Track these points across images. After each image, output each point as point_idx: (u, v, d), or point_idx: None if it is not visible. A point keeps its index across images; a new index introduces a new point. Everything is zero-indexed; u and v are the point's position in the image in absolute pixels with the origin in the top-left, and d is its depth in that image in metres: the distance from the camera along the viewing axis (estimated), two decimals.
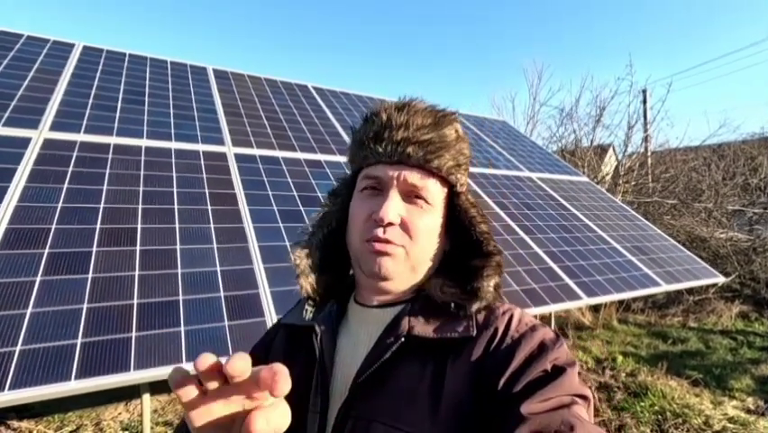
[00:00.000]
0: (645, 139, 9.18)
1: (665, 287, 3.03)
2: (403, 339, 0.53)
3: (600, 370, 3.75)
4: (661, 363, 3.77)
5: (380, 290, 0.58)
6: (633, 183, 7.90)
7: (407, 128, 0.56)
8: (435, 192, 0.58)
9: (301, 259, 0.62)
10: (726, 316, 5.42)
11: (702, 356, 4.20)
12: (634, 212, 4.41)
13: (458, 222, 0.60)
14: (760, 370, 3.84)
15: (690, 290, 5.65)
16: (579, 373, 0.50)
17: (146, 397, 1.96)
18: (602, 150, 9.56)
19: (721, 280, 3.54)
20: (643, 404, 3.07)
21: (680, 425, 2.84)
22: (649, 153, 8.90)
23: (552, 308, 2.42)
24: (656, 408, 3.04)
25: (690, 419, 2.89)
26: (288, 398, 0.61)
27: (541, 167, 4.63)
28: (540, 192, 3.93)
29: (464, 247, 0.59)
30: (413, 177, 0.56)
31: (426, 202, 0.57)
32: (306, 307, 0.62)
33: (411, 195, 0.56)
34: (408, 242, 0.55)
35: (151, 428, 2.78)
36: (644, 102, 10.22)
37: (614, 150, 10.09)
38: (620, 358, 4.03)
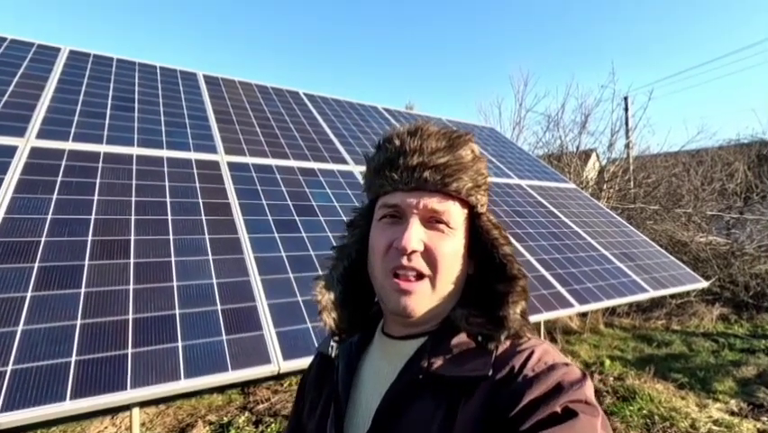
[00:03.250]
0: (627, 145, 9.41)
1: (652, 293, 3.11)
2: (421, 377, 0.53)
3: (589, 374, 3.81)
4: (648, 367, 3.85)
5: (405, 323, 0.58)
6: (617, 189, 8.08)
7: (422, 153, 0.55)
8: (456, 215, 0.57)
9: (322, 294, 0.61)
10: (708, 318, 5.58)
11: (686, 359, 4.31)
12: (620, 218, 4.51)
13: (480, 244, 0.59)
14: (741, 372, 3.96)
15: (673, 294, 5.80)
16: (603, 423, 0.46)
17: (136, 411, 1.92)
18: (586, 155, 9.76)
19: (703, 284, 3.64)
20: (632, 408, 3.13)
21: (668, 428, 2.91)
22: (631, 160, 9.12)
23: (544, 316, 2.45)
24: (644, 411, 3.11)
25: (678, 423, 2.96)
26: (311, 426, 0.61)
27: (530, 174, 4.70)
28: (529, 199, 3.99)
29: (487, 270, 0.58)
30: (432, 202, 0.55)
31: (448, 226, 0.56)
32: (332, 343, 0.63)
33: (432, 220, 0.56)
34: (433, 270, 0.55)
35: None
36: (626, 109, 10.49)
37: (597, 155, 10.31)
38: (608, 362, 4.10)
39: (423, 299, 0.55)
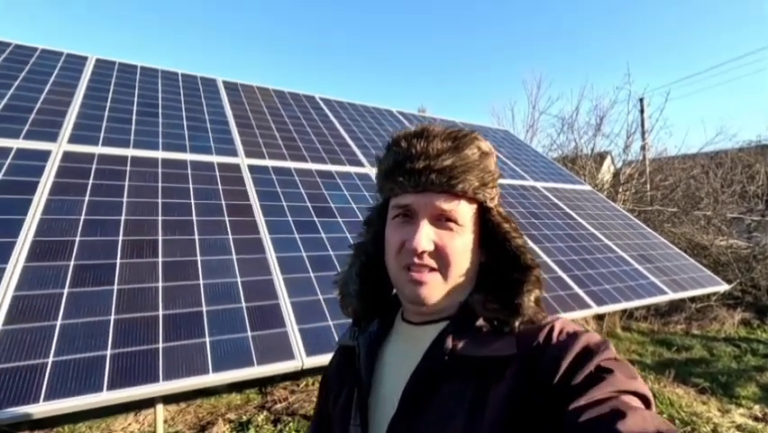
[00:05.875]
0: (644, 147, 9.28)
1: (671, 295, 3.07)
2: (446, 358, 0.55)
3: None
4: (668, 371, 3.79)
5: (422, 312, 0.61)
6: (632, 191, 7.98)
7: (428, 156, 0.57)
8: (464, 213, 0.59)
9: (344, 288, 0.66)
10: (729, 323, 5.46)
11: (707, 364, 4.23)
12: (637, 220, 4.46)
13: (492, 236, 0.61)
14: (765, 377, 3.87)
15: (693, 298, 5.69)
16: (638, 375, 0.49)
17: (159, 407, 1.98)
18: (600, 157, 9.65)
19: (725, 287, 3.58)
20: None
21: None
22: (648, 162, 8.99)
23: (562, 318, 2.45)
24: (665, 416, 3.06)
25: (699, 427, 2.92)
26: (336, 414, 0.64)
27: (545, 176, 4.69)
28: (545, 201, 3.98)
29: (502, 260, 0.61)
30: (440, 202, 0.57)
31: (457, 223, 0.58)
32: (352, 331, 0.67)
33: (441, 218, 0.58)
34: (444, 266, 0.57)
35: None
36: (642, 111, 10.35)
37: (611, 157, 10.18)
38: None
39: (435, 289, 0.58)
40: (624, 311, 5.60)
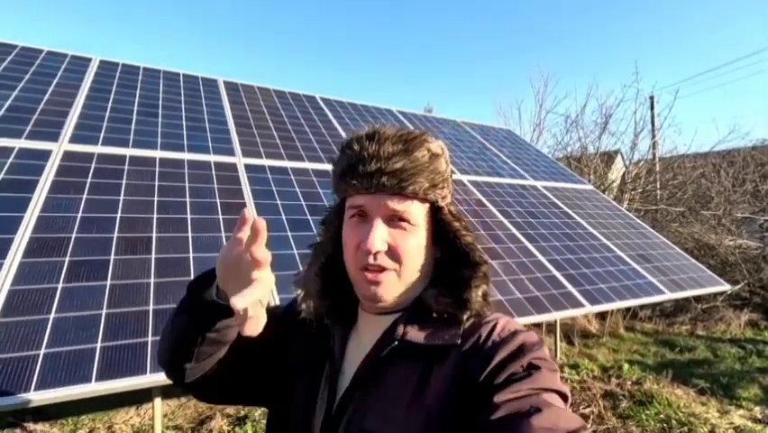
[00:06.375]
0: (653, 146, 9.15)
1: (669, 295, 3.05)
2: (396, 343, 0.59)
3: (606, 378, 3.75)
4: (666, 371, 3.76)
5: (378, 308, 0.64)
6: (640, 190, 7.88)
7: (379, 159, 0.59)
8: (416, 212, 0.61)
9: (304, 288, 0.68)
10: (735, 324, 5.37)
11: (710, 365, 4.17)
12: (639, 220, 4.42)
13: (444, 234, 0.64)
14: None
15: (698, 298, 5.61)
16: (561, 378, 0.54)
17: (158, 401, 2.03)
18: (609, 157, 9.55)
19: (727, 288, 3.54)
20: (648, 412, 3.07)
21: None
22: (656, 160, 8.87)
23: (554, 316, 2.45)
24: (662, 416, 3.04)
25: (696, 428, 2.89)
26: (301, 387, 0.67)
27: (546, 175, 4.67)
28: (544, 200, 3.97)
29: (453, 256, 0.64)
30: (392, 203, 0.59)
31: (409, 223, 0.60)
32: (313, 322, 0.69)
33: (394, 218, 0.60)
34: (398, 265, 0.60)
35: (162, 432, 2.85)
36: (652, 108, 10.20)
37: (622, 156, 10.06)
38: (626, 366, 4.02)
39: (391, 287, 0.61)
40: (627, 311, 5.55)
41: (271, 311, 0.77)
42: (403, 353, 0.59)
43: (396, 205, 0.60)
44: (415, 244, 0.61)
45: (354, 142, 0.63)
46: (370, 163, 0.59)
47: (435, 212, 0.64)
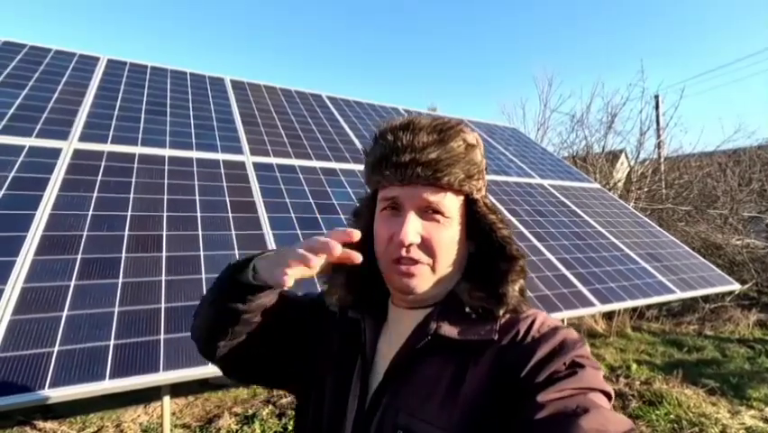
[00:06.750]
0: (658, 145, 9.10)
1: (679, 294, 3.02)
2: (429, 338, 0.57)
3: (614, 378, 3.73)
4: (676, 371, 3.73)
5: (410, 300, 0.63)
6: (646, 190, 7.84)
7: (414, 149, 0.58)
8: (451, 204, 0.59)
9: (330, 280, 0.67)
10: (744, 324, 5.34)
11: (719, 365, 4.14)
12: (646, 219, 4.39)
13: (479, 227, 0.62)
14: None
15: (706, 298, 5.58)
16: (605, 376, 0.52)
17: (166, 399, 2.03)
18: (614, 156, 9.49)
19: (737, 287, 3.50)
20: (658, 412, 3.05)
21: None
22: (662, 159, 8.82)
23: (564, 315, 2.43)
24: (672, 416, 3.02)
25: (707, 429, 2.87)
26: (332, 382, 0.66)
27: (552, 174, 4.64)
28: (552, 199, 3.95)
29: (488, 250, 0.62)
30: (426, 194, 0.58)
31: (443, 215, 0.59)
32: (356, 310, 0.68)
33: (428, 210, 0.59)
34: (432, 258, 0.59)
35: (171, 430, 2.85)
36: (657, 107, 10.14)
37: (626, 156, 10.01)
38: (634, 366, 4.00)
39: (424, 280, 0.59)
40: (634, 311, 5.52)
41: (294, 296, 0.78)
42: (436, 348, 0.57)
43: (430, 196, 0.58)
44: (449, 236, 0.59)
45: (388, 132, 0.61)
46: (404, 154, 0.58)
47: (470, 204, 0.62)
